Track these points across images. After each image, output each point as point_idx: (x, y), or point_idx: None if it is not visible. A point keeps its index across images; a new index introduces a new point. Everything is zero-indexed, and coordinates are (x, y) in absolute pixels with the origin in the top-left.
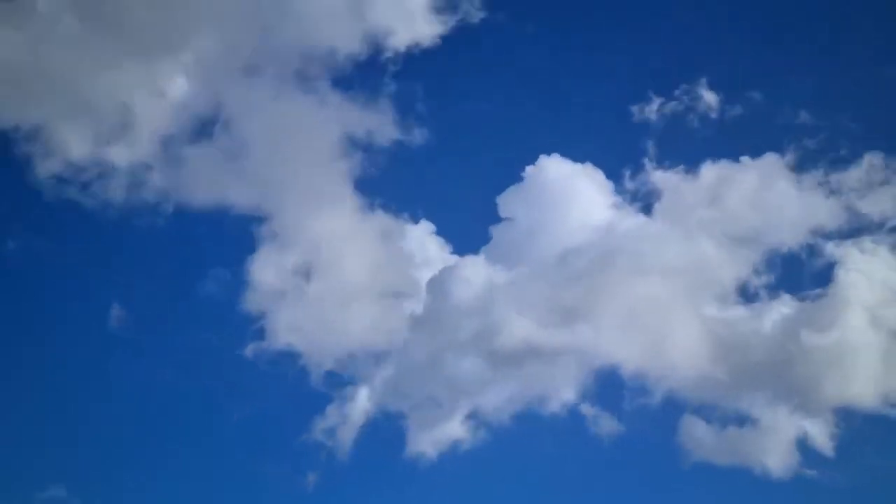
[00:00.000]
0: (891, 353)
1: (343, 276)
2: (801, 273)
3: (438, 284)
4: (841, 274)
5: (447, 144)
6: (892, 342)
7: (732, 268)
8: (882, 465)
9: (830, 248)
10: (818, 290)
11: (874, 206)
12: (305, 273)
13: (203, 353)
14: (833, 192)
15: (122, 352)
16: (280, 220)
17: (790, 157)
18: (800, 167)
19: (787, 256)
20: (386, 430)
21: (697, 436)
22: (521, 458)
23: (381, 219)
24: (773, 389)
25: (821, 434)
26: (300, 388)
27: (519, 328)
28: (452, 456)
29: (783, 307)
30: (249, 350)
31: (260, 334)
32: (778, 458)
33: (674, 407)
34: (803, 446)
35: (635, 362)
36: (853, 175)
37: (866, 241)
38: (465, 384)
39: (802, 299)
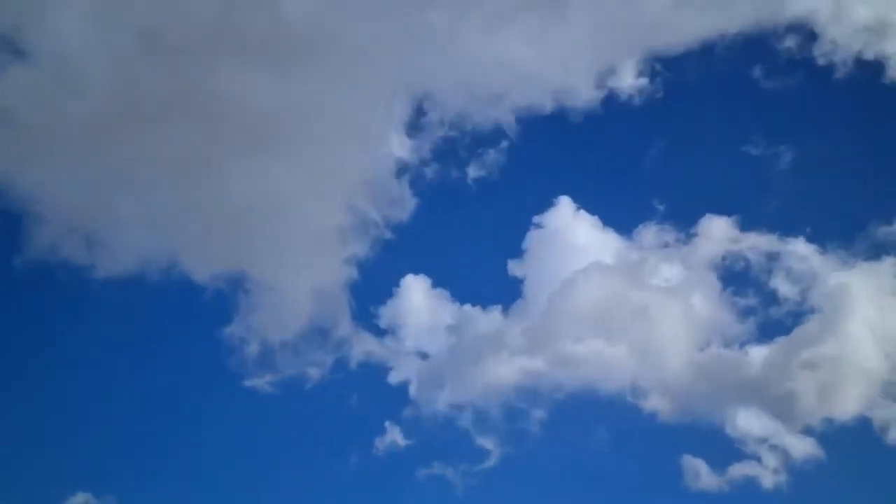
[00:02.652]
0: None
1: None
2: (792, 312)
3: (454, 330)
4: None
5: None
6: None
7: (728, 312)
8: (872, 482)
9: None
10: (806, 317)
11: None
12: None
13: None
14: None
15: (150, 356)
16: None
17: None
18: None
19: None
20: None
21: (695, 468)
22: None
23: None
24: (766, 412)
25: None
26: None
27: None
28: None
29: (775, 344)
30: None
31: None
32: (771, 478)
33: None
34: (796, 466)
35: (634, 394)
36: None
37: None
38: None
39: (790, 331)
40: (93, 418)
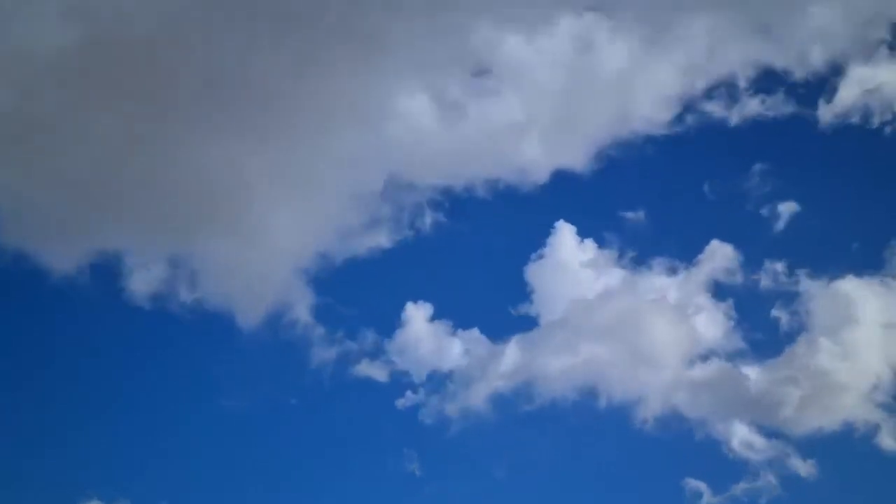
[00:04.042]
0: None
1: None
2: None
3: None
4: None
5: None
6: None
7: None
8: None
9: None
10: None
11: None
12: None
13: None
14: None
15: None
16: None
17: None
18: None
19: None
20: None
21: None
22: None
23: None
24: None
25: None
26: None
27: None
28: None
29: (773, 360)
30: None
31: None
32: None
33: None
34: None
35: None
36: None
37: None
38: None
39: (787, 348)
40: (93, 422)
